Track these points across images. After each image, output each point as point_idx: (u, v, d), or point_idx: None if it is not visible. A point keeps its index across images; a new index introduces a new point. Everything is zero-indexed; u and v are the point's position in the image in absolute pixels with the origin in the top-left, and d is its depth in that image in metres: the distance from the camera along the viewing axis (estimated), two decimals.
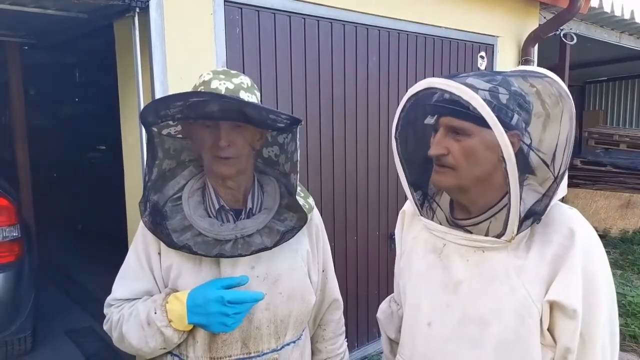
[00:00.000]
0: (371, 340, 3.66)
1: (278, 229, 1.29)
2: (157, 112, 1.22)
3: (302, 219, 1.32)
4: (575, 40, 4.72)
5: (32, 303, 3.44)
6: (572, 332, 1.04)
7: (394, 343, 1.45)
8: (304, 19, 2.96)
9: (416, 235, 1.29)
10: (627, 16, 4.89)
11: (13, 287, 3.21)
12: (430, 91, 1.10)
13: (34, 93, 6.94)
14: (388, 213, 3.61)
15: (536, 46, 4.40)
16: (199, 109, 1.20)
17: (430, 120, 1.13)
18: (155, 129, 1.27)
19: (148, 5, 2.31)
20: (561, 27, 4.50)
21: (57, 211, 6.50)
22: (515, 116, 1.05)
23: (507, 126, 1.01)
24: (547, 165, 1.08)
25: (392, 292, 1.48)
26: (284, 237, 1.29)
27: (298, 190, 1.37)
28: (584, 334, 1.05)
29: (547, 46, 4.59)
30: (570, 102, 1.07)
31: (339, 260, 3.28)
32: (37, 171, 5.62)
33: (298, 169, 1.30)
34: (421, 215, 1.25)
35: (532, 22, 4.43)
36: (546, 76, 1.08)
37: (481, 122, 1.02)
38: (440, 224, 1.20)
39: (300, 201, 1.33)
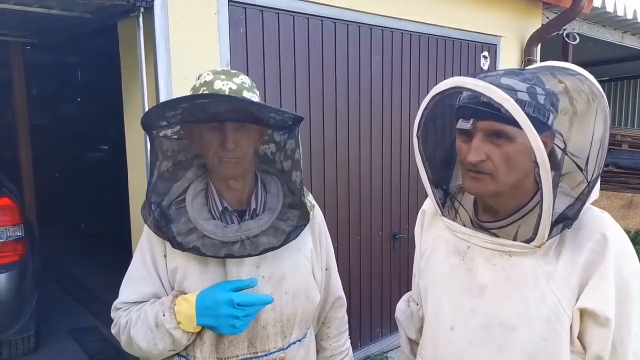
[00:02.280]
0: (374, 340, 3.66)
1: (283, 229, 1.29)
2: (164, 114, 1.21)
3: (305, 217, 1.32)
4: (577, 40, 4.72)
5: (36, 303, 3.45)
6: (603, 340, 1.02)
7: (414, 343, 1.44)
8: (308, 18, 2.96)
9: (437, 236, 1.26)
10: (629, 16, 4.89)
11: (16, 287, 3.21)
12: (455, 90, 1.05)
13: (36, 93, 6.95)
14: (391, 213, 3.61)
15: (539, 46, 4.40)
16: (207, 111, 1.19)
17: (466, 124, 1.05)
18: (154, 131, 1.26)
19: (152, 5, 2.31)
20: (564, 27, 4.50)
21: (60, 211, 6.51)
22: (551, 117, 1.01)
23: (544, 128, 0.98)
24: (581, 169, 1.03)
25: (395, 291, 1.47)
26: (290, 236, 1.29)
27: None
28: (615, 342, 1.03)
29: (549, 46, 4.59)
30: (604, 101, 1.02)
31: (342, 260, 3.28)
32: (40, 171, 5.63)
33: (301, 167, 1.29)
34: (442, 215, 1.22)
35: (535, 22, 4.43)
36: (578, 73, 1.04)
37: (516, 126, 0.98)
38: (464, 225, 1.17)
39: (308, 199, 1.33)
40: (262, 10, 2.73)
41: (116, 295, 1.35)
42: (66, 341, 3.93)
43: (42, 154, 6.03)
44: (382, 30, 3.36)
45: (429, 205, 1.31)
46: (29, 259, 3.38)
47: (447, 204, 1.22)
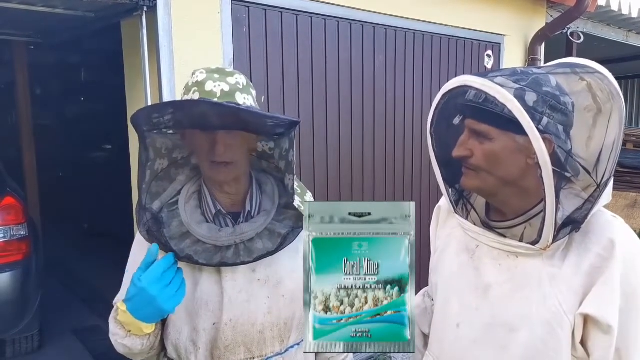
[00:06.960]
0: None
1: (279, 231, 1.25)
2: (149, 119, 1.16)
3: (300, 218, 1.26)
4: (582, 39, 4.70)
5: (39, 302, 3.45)
6: (606, 348, 0.99)
7: (427, 338, 1.42)
8: (311, 17, 2.95)
9: (450, 233, 1.26)
10: (634, 15, 4.87)
11: (20, 286, 3.22)
12: (463, 89, 1.04)
13: (40, 93, 6.97)
14: None
15: (543, 45, 4.38)
16: (193, 117, 1.14)
17: (457, 120, 1.09)
18: (146, 128, 1.19)
19: (155, 4, 2.31)
20: (568, 26, 4.48)
21: (64, 210, 6.52)
22: (545, 119, 0.98)
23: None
24: (589, 172, 1.00)
25: None
26: (286, 240, 1.25)
27: (295, 186, 1.32)
28: (620, 350, 1.00)
29: (553, 45, 4.57)
30: (621, 101, 0.99)
31: None
32: (43, 170, 5.64)
33: (294, 169, 1.24)
34: (455, 212, 1.21)
35: (539, 21, 4.42)
36: (597, 71, 1.01)
37: (503, 126, 0.98)
38: (474, 224, 1.16)
39: (297, 201, 1.27)
40: (265, 9, 2.73)
41: None
42: (70, 340, 3.93)
43: (46, 154, 6.04)
44: (386, 28, 3.35)
45: (445, 202, 1.30)
46: (33, 258, 3.39)
47: (461, 202, 1.22)
